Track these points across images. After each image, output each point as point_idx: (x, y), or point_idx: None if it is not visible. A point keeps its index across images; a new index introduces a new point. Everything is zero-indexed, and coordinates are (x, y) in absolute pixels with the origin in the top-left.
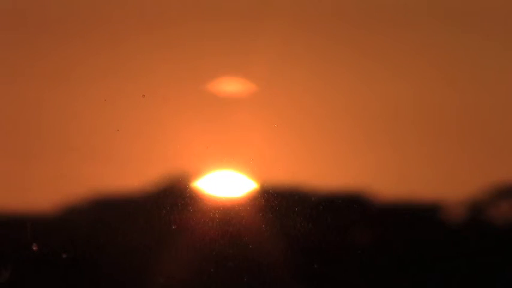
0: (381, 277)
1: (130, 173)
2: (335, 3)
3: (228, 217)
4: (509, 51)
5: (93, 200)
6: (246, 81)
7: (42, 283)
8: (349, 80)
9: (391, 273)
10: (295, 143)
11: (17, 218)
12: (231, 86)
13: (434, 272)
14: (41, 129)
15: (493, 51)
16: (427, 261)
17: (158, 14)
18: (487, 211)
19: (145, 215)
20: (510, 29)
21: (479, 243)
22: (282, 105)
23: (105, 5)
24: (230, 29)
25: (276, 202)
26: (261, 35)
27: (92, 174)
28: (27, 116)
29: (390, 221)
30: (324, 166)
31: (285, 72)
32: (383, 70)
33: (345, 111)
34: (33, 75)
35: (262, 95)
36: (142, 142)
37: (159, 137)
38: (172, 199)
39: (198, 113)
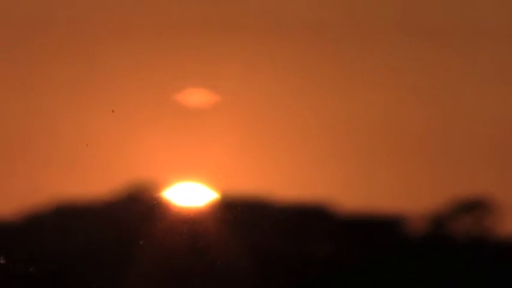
0: None
1: (94, 182)
2: (302, 15)
3: (190, 227)
4: (478, 68)
5: (55, 207)
6: (211, 93)
7: None
8: (316, 92)
9: (352, 285)
10: (259, 154)
11: None
12: (196, 97)
13: (396, 284)
14: (7, 138)
15: (462, 67)
16: (388, 273)
17: (125, 29)
18: (448, 225)
19: (107, 223)
20: (481, 45)
21: (440, 257)
22: (246, 116)
23: (74, 20)
24: (196, 42)
25: (239, 213)
26: (227, 48)
27: (54, 182)
28: None
29: (352, 233)
30: (289, 177)
31: (250, 84)
32: (351, 83)
33: (311, 123)
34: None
35: (227, 107)
36: (107, 152)
37: (123, 147)
38: (135, 208)
39: (163, 124)
